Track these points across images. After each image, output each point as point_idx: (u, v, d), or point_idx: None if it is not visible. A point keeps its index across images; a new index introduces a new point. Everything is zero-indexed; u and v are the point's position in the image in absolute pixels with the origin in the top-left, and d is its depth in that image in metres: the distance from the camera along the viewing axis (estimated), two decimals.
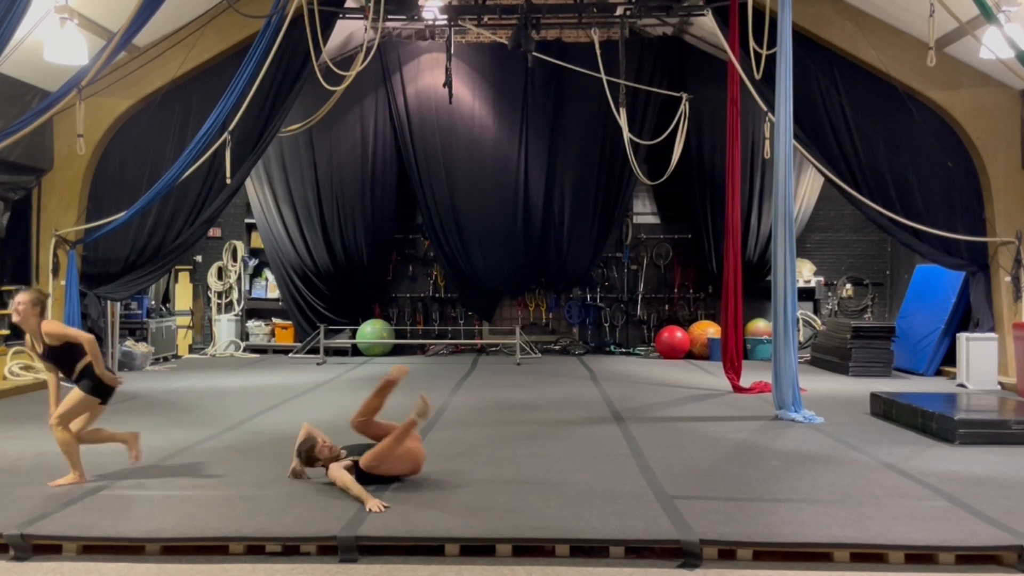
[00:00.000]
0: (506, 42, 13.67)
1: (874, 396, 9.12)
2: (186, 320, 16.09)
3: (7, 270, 11.98)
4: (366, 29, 12.57)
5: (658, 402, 9.96)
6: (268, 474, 6.22)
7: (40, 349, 5.95)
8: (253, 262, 16.45)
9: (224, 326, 16.01)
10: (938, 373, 12.53)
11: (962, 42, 10.84)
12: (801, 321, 14.89)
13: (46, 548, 4.82)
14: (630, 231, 16.47)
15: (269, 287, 16.49)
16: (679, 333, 15.18)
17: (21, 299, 5.95)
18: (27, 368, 11.14)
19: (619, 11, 13.22)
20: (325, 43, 11.59)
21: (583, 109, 15.27)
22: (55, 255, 11.90)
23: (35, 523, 4.95)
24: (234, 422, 8.47)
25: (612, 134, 14.76)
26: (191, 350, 16.08)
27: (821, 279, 15.84)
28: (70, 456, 5.97)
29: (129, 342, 13.35)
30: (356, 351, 15.55)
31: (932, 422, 7.83)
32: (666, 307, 16.49)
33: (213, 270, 16.25)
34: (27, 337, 6.05)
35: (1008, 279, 11.54)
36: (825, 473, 6.35)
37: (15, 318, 5.93)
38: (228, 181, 11.47)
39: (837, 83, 11.91)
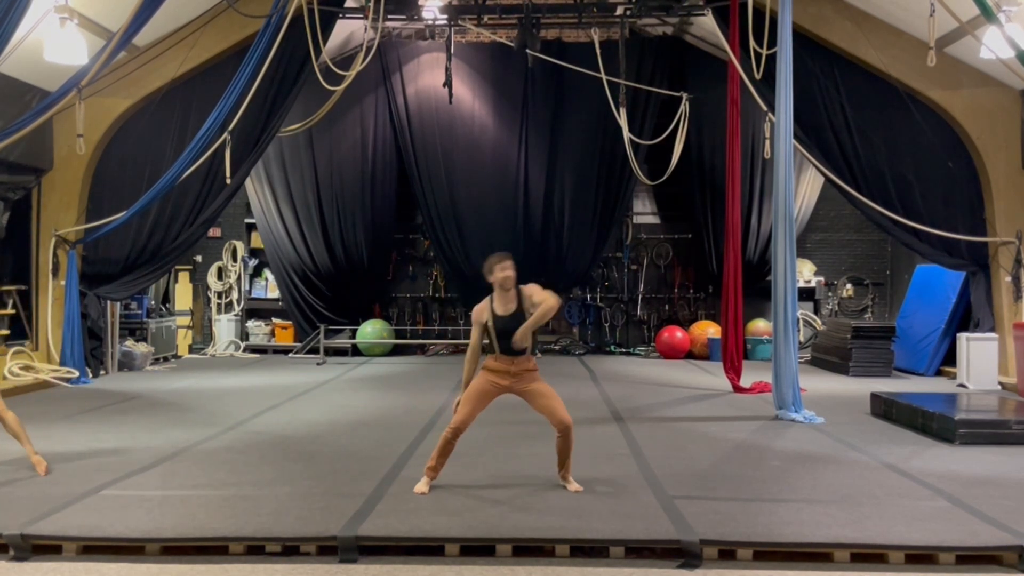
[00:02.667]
0: (506, 42, 13.68)
1: (874, 396, 9.12)
2: (186, 320, 16.08)
3: (7, 270, 11.97)
4: (366, 29, 12.56)
5: (658, 402, 9.96)
6: (268, 474, 6.23)
7: None
8: (253, 262, 16.45)
9: (224, 326, 16.01)
10: (938, 373, 12.52)
11: (962, 42, 10.84)
12: (801, 321, 14.88)
13: (46, 548, 4.82)
14: (630, 231, 16.46)
15: (269, 287, 16.49)
16: (679, 333, 15.18)
17: None
18: (27, 368, 11.14)
19: (619, 11, 13.21)
20: (325, 43, 11.59)
21: (583, 109, 15.25)
22: (55, 255, 11.91)
23: (35, 523, 4.94)
24: (234, 422, 8.46)
25: (612, 134, 14.75)
26: (191, 350, 16.08)
27: (821, 279, 15.83)
28: (25, 438, 6.23)
29: (129, 342, 13.34)
30: (356, 351, 15.55)
31: (932, 422, 7.82)
32: (666, 307, 16.49)
33: (213, 270, 16.25)
34: None
35: (1008, 279, 11.53)
36: (825, 473, 6.34)
37: None
38: (228, 181, 11.47)
39: (837, 83, 11.90)
